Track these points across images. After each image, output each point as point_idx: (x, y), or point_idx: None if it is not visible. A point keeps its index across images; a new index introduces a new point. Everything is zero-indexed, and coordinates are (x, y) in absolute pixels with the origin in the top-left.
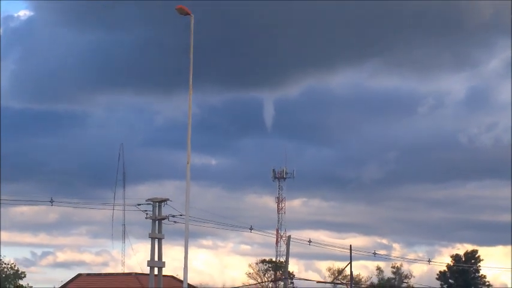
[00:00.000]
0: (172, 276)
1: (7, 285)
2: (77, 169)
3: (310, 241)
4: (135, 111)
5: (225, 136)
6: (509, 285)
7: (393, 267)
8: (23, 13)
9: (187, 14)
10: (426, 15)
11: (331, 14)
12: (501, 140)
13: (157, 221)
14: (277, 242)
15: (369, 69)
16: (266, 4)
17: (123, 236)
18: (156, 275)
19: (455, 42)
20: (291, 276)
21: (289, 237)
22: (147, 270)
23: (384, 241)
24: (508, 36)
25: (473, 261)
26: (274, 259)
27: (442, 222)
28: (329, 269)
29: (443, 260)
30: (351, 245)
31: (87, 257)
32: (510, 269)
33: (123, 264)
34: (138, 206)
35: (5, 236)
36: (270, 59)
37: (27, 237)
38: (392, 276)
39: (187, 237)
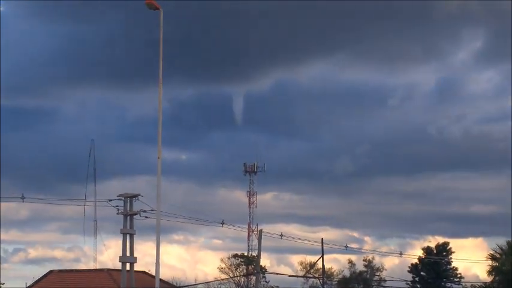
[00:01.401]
0: (144, 272)
1: None
2: (47, 165)
3: (282, 235)
4: (105, 106)
5: (195, 130)
6: (481, 277)
7: (365, 260)
8: None
9: (157, 8)
10: (394, 7)
11: (300, 7)
12: (470, 131)
13: (128, 217)
14: (248, 236)
15: (339, 62)
16: (234, 3)
17: (95, 231)
18: (128, 271)
19: (424, 33)
20: (263, 270)
21: (260, 231)
22: (119, 265)
23: (356, 234)
24: (475, 27)
25: (444, 253)
26: (246, 253)
27: (414, 215)
28: (301, 263)
29: (414, 253)
30: (322, 239)
31: (58, 253)
32: (481, 261)
33: (95, 260)
34: (110, 202)
35: None
36: (239, 53)
37: None
38: (364, 269)
39: (158, 233)
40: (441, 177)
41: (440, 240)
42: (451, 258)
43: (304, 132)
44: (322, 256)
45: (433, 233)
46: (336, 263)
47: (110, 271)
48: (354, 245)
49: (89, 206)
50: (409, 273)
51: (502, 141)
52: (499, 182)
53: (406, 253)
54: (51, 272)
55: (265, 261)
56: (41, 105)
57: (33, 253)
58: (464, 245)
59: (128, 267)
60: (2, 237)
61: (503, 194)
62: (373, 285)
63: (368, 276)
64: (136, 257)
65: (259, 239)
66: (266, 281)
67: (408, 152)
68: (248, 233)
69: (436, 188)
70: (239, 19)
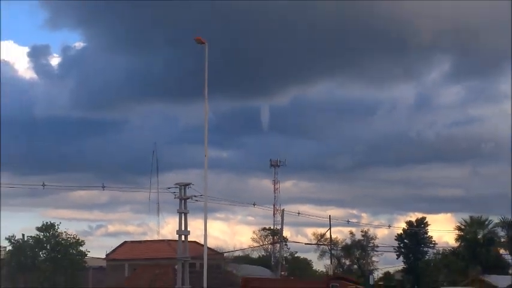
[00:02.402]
0: (195, 242)
1: (70, 251)
2: (121, 162)
3: (299, 213)
4: (164, 117)
5: (233, 135)
6: (450, 243)
7: (362, 231)
8: (78, 44)
9: (203, 43)
10: (383, 38)
11: (312, 40)
12: (441, 133)
13: (183, 200)
14: (274, 214)
15: (340, 81)
16: (261, 38)
17: (158, 212)
18: (183, 241)
19: (405, 59)
20: (284, 240)
21: (283, 210)
22: (176, 237)
23: (355, 212)
24: (444, 53)
25: (422, 225)
26: (272, 227)
27: (399, 197)
28: (313, 234)
29: (400, 225)
30: (330, 216)
31: (130, 228)
32: (450, 231)
33: (158, 233)
34: (168, 189)
35: (69, 213)
36: (265, 76)
37: (85, 214)
38: (361, 238)
39: (206, 212)
40: (419, 168)
41: (419, 215)
42: (427, 229)
43: (314, 135)
44: (330, 228)
45: (414, 210)
46: (340, 233)
47: (169, 241)
48: (353, 220)
49: (153, 193)
50: (395, 241)
51: (465, 141)
52: (463, 172)
53: (393, 225)
54: (125, 242)
55: (286, 233)
56: (115, 118)
57: (111, 228)
58: (437, 219)
59: (183, 238)
60: (88, 217)
61: (466, 181)
62: (368, 250)
63: (364, 243)
64: (189, 231)
65: (282, 216)
66: (287, 248)
67: (394, 150)
68: (273, 212)
69: (416, 176)
70: (265, 52)
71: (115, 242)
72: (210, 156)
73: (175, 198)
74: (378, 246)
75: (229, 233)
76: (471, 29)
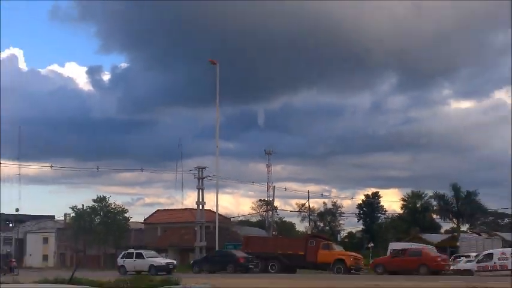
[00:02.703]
0: (210, 210)
1: (118, 217)
2: (154, 151)
3: (285, 188)
4: (186, 118)
5: (237, 131)
6: (396, 210)
7: (332, 202)
8: (123, 64)
9: (214, 63)
10: (347, 58)
11: (296, 59)
12: (390, 130)
13: (200, 179)
14: (267, 189)
15: (316, 91)
16: (259, 58)
17: (182, 188)
18: (200, 209)
19: (363, 74)
20: (275, 208)
21: (274, 187)
22: (195, 206)
23: (327, 187)
24: (391, 69)
25: (376, 197)
26: (266, 199)
27: (359, 177)
28: (296, 204)
29: (360, 197)
30: (308, 190)
31: (162, 200)
32: (397, 201)
33: (182, 203)
34: (190, 171)
35: (116, 189)
36: (261, 87)
37: (128, 190)
38: (332, 207)
39: (217, 188)
40: (375, 156)
41: (374, 190)
42: (380, 200)
43: (298, 131)
44: (308, 200)
45: (370, 186)
46: (316, 203)
47: (190, 210)
48: (326, 194)
49: (179, 174)
50: (357, 209)
51: (407, 136)
52: (406, 158)
53: (355, 198)
54: (158, 210)
55: (276, 203)
56: (151, 118)
57: (147, 200)
58: (387, 193)
59: (200, 207)
60: (131, 191)
61: (408, 165)
62: (336, 216)
63: (334, 210)
64: (205, 202)
65: (273, 191)
66: (277, 214)
67: (356, 142)
68: (267, 188)
69: (372, 161)
70: (262, 68)
71: (150, 210)
72: (220, 147)
73: (194, 178)
74: (343, 213)
75: (235, 203)
76: (411, 50)
